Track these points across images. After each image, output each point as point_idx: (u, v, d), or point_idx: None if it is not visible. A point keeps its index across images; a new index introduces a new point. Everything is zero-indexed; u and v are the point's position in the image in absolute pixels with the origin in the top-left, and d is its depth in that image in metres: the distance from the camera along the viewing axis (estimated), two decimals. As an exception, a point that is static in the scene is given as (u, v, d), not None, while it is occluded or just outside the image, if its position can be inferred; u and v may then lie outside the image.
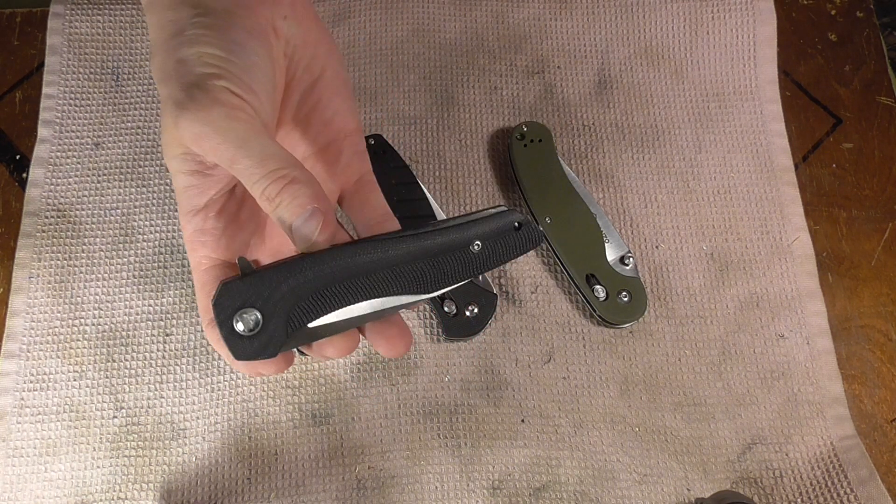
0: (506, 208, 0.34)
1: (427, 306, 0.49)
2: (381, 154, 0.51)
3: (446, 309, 0.48)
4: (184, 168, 0.31)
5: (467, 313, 0.47)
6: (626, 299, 0.48)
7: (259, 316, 0.29)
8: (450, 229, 0.32)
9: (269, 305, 0.29)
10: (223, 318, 0.29)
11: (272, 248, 0.36)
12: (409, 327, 0.34)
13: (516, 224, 0.33)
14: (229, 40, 0.30)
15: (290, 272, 0.29)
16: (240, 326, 0.29)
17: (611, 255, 0.49)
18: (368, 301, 0.31)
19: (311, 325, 0.30)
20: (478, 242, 0.32)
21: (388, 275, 0.31)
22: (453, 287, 0.32)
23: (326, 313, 0.30)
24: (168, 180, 0.52)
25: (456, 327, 0.47)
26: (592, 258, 0.49)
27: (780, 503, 0.46)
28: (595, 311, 0.48)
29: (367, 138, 0.52)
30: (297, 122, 0.35)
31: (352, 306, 0.30)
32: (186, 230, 0.33)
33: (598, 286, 0.48)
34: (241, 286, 0.29)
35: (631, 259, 0.49)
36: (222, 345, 0.29)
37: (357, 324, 0.31)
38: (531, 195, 0.50)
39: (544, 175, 0.51)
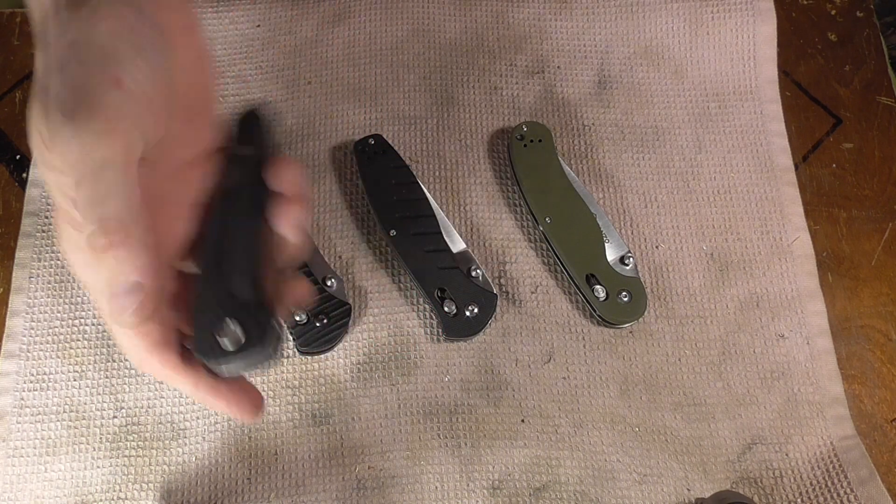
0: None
1: (427, 306, 0.49)
2: (382, 154, 0.51)
3: (446, 309, 0.48)
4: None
5: (467, 313, 0.47)
6: (626, 299, 0.48)
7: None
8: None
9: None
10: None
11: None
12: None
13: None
14: None
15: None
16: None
17: (611, 255, 0.49)
18: None
19: None
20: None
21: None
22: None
23: None
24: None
25: (456, 327, 0.47)
26: (592, 258, 0.49)
27: (780, 503, 0.46)
28: (595, 311, 0.48)
29: (367, 138, 0.52)
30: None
31: None
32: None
33: (598, 286, 0.48)
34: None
35: (631, 259, 0.49)
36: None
37: None
38: (531, 195, 0.50)
39: (544, 175, 0.51)
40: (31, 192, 0.51)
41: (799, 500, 0.46)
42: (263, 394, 0.47)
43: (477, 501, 0.45)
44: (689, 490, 0.46)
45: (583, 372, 0.48)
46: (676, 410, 0.48)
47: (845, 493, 0.45)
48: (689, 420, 0.47)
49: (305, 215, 0.31)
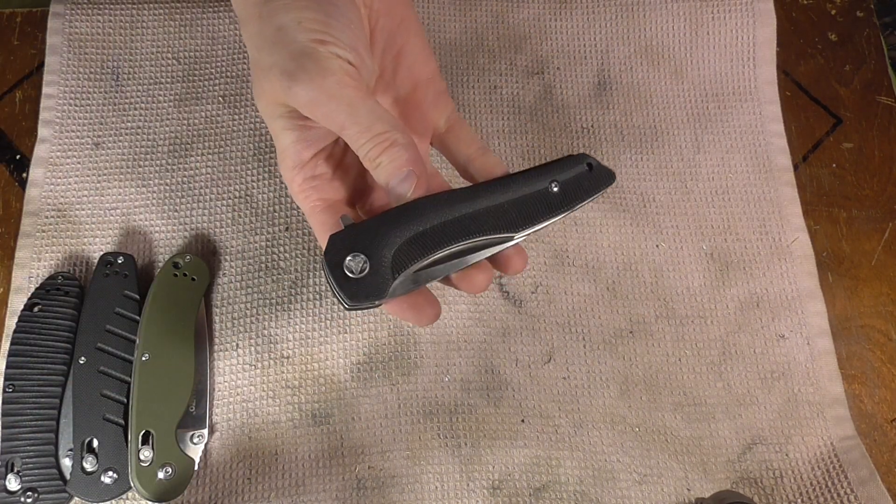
0: (578, 154, 0.37)
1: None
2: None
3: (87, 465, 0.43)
4: (290, 125, 0.34)
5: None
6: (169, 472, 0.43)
7: (365, 259, 0.31)
8: (529, 174, 0.35)
9: (375, 250, 0.32)
10: (333, 265, 0.31)
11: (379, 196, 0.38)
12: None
13: (588, 165, 0.37)
14: (325, 2, 0.32)
15: (390, 221, 0.32)
16: (349, 268, 0.31)
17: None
18: (464, 242, 0.33)
19: (414, 269, 0.32)
20: (556, 183, 0.36)
21: (479, 217, 0.34)
22: (539, 227, 0.35)
23: (427, 257, 0.32)
24: (168, 180, 0.52)
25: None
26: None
27: (781, 503, 0.46)
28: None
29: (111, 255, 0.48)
30: (383, 71, 0.37)
31: (451, 249, 0.33)
32: (295, 182, 0.36)
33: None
34: (346, 236, 0.32)
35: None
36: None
37: (455, 268, 0.34)
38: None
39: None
40: (31, 192, 0.51)
41: (799, 500, 0.46)
42: (263, 393, 0.47)
43: (477, 501, 0.45)
44: (689, 490, 0.46)
45: (583, 372, 0.48)
46: (676, 410, 0.48)
47: (845, 493, 0.45)
48: (690, 420, 0.47)
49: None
